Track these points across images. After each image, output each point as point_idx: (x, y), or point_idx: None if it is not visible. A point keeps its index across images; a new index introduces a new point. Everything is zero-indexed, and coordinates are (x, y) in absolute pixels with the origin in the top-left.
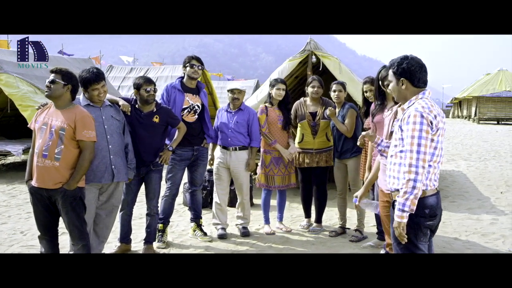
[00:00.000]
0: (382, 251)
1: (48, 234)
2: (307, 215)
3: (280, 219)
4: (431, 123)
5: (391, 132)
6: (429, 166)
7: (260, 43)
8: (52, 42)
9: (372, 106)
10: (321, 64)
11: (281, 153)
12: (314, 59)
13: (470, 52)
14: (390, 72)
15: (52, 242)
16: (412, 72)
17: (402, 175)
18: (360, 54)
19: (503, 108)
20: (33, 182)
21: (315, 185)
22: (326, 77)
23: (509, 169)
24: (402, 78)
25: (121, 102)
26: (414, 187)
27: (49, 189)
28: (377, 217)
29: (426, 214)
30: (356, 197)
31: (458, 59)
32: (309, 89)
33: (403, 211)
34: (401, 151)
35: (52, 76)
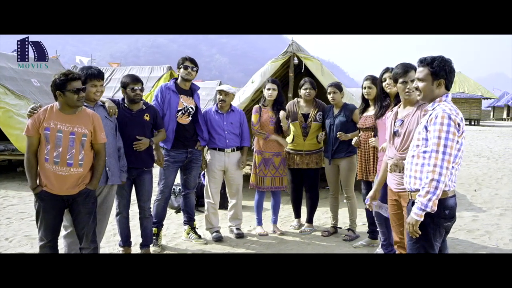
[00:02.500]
0: (379, 250)
1: (54, 240)
2: (297, 215)
3: (275, 221)
4: (459, 125)
5: (394, 133)
6: (452, 167)
7: (215, 44)
8: (4, 40)
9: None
10: (303, 65)
11: (279, 141)
12: (296, 60)
13: (422, 53)
14: (425, 70)
15: (54, 249)
16: (449, 75)
17: (425, 174)
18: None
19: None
20: (49, 189)
21: (308, 186)
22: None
23: (476, 168)
24: (441, 79)
25: (107, 103)
26: (436, 188)
27: (70, 194)
28: (369, 216)
29: (446, 215)
30: (371, 198)
31: (410, 60)
32: (301, 91)
33: (423, 210)
34: (424, 152)
35: (81, 85)
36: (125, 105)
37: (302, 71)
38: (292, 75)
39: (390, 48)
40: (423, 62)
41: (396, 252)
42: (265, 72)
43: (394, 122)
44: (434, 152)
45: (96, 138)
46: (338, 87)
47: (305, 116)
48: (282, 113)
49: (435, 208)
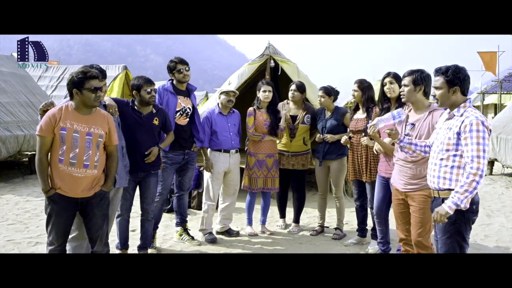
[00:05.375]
0: (371, 248)
1: (63, 244)
2: (282, 215)
3: (263, 222)
4: (490, 131)
5: (405, 135)
6: None
7: (149, 43)
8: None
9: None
10: (279, 68)
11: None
12: (272, 63)
13: (360, 56)
14: (441, 78)
15: (63, 252)
16: (463, 82)
17: (458, 177)
18: (249, 58)
19: None
20: (63, 191)
21: (294, 187)
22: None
23: None
24: (455, 87)
25: (107, 102)
26: (475, 188)
27: (85, 196)
28: (359, 216)
29: (474, 210)
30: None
31: (347, 63)
32: (289, 93)
33: (457, 205)
34: (454, 155)
35: (98, 84)
36: (135, 107)
37: (279, 74)
38: (268, 77)
39: (331, 48)
40: (439, 71)
41: (401, 249)
42: (242, 74)
43: (405, 125)
44: (476, 158)
45: (111, 139)
46: (326, 91)
47: (293, 118)
48: (284, 114)
49: (468, 206)
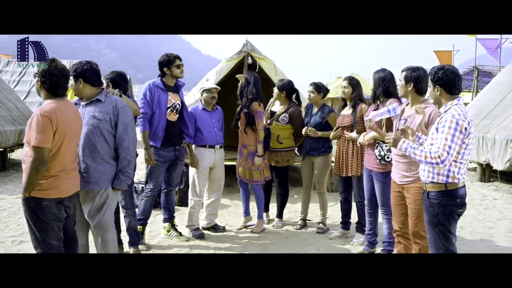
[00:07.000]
0: (356, 240)
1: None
2: (266, 209)
3: (260, 216)
4: (466, 129)
5: (397, 129)
6: (461, 163)
7: (104, 38)
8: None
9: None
10: (257, 65)
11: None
12: (250, 60)
13: (319, 56)
14: (429, 78)
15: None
16: (446, 81)
17: (440, 171)
18: (205, 54)
19: None
20: None
21: (277, 183)
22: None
23: None
24: (437, 86)
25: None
26: (425, 163)
27: None
28: (343, 208)
29: (458, 203)
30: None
31: (305, 62)
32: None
33: (400, 148)
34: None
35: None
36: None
37: (256, 70)
38: None
39: (285, 46)
40: (430, 71)
41: (388, 241)
42: (220, 71)
43: (399, 120)
44: (441, 150)
45: (25, 136)
46: (316, 87)
47: (272, 114)
48: None
49: (403, 153)
